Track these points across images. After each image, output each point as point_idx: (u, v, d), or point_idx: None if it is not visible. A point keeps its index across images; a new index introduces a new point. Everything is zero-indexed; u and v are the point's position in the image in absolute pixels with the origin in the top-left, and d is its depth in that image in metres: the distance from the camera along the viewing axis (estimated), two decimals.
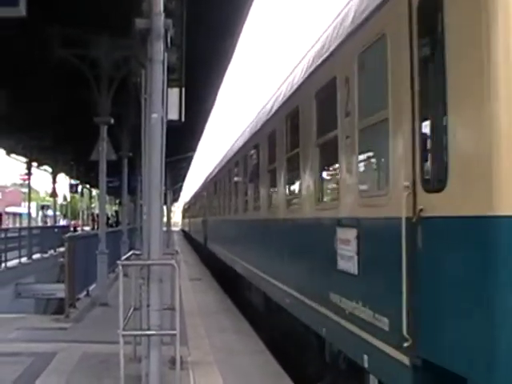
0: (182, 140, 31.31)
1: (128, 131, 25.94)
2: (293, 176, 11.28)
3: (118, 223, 43.30)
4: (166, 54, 9.38)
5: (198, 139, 41.87)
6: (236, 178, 20.70)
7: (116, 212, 55.47)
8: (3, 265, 27.21)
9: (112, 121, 18.52)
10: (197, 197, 52.36)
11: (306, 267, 9.97)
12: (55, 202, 51.02)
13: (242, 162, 18.68)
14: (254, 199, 16.09)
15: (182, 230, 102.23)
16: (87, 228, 61.86)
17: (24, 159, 39.58)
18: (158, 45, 8.97)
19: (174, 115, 11.14)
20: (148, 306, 9.03)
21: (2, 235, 28.99)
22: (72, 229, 52.87)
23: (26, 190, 58.31)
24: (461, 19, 4.94)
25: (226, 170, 24.34)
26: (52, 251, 36.53)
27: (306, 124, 9.87)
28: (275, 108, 13.00)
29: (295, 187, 11.32)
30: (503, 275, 4.53)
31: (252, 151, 16.53)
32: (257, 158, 15.53)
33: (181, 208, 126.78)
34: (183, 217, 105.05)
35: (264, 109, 15.53)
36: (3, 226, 36.19)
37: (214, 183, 29.99)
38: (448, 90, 5.08)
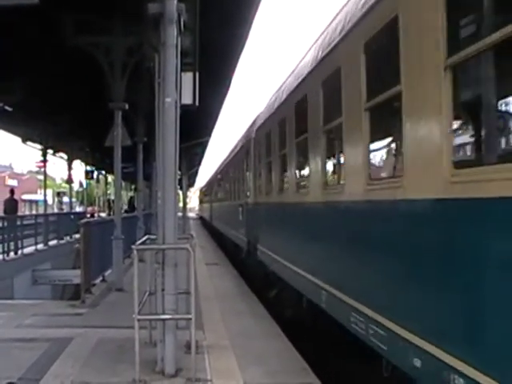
0: (198, 125, 31.23)
1: (143, 116, 25.96)
2: None
3: (132, 209, 43.29)
4: (179, 39, 9.37)
5: (214, 124, 41.68)
6: None
7: (131, 198, 55.40)
8: (20, 251, 27.36)
9: (126, 106, 18.46)
10: (224, 172, 36.17)
11: None
12: (71, 189, 51.11)
13: None
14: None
15: (200, 217, 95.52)
16: (103, 214, 61.99)
17: (39, 146, 39.65)
18: (171, 29, 8.96)
19: (187, 100, 11.13)
20: (163, 290, 9.06)
21: (19, 222, 29.12)
22: (89, 215, 52.89)
23: (41, 177, 58.37)
24: None
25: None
26: (68, 237, 36.68)
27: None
28: None
29: None
30: None
31: None
32: None
33: (197, 194, 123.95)
34: (201, 201, 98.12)
35: None
36: (19, 213, 36.19)
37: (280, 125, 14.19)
38: None
